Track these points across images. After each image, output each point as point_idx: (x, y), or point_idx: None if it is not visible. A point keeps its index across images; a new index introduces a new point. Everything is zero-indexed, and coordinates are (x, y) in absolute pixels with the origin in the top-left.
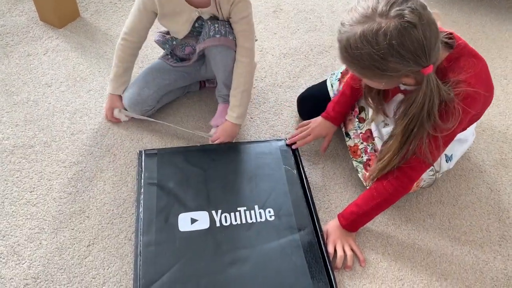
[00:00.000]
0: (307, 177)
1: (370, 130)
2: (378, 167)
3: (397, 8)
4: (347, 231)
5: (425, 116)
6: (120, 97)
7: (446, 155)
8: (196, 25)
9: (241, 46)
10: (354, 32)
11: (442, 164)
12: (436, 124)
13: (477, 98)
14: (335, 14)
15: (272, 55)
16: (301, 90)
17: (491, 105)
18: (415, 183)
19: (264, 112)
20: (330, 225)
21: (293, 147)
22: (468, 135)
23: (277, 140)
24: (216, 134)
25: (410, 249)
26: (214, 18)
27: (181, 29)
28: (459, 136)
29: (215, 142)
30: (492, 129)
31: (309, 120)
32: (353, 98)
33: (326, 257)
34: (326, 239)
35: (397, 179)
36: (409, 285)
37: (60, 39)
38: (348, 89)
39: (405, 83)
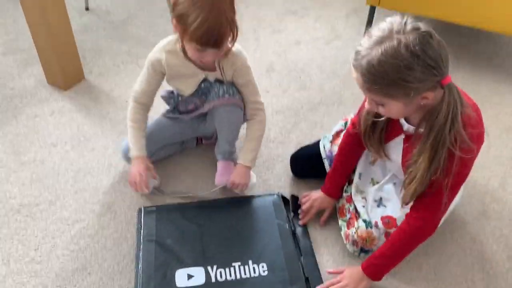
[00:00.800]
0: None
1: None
2: (411, 191)
3: (412, 23)
4: (365, 276)
5: (448, 127)
6: (145, 158)
7: None
8: (202, 86)
9: (251, 101)
10: (374, 53)
11: None
12: (459, 137)
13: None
14: (324, 74)
15: (265, 112)
16: (292, 145)
17: None
18: None
19: (257, 166)
20: (349, 267)
21: (301, 223)
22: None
23: (270, 195)
24: (235, 181)
25: None
26: (218, 81)
27: (188, 88)
28: None
29: (238, 189)
30: (474, 181)
31: (309, 193)
32: (345, 171)
33: None
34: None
35: (418, 219)
36: None
37: (66, 100)
38: (339, 163)
39: (425, 101)
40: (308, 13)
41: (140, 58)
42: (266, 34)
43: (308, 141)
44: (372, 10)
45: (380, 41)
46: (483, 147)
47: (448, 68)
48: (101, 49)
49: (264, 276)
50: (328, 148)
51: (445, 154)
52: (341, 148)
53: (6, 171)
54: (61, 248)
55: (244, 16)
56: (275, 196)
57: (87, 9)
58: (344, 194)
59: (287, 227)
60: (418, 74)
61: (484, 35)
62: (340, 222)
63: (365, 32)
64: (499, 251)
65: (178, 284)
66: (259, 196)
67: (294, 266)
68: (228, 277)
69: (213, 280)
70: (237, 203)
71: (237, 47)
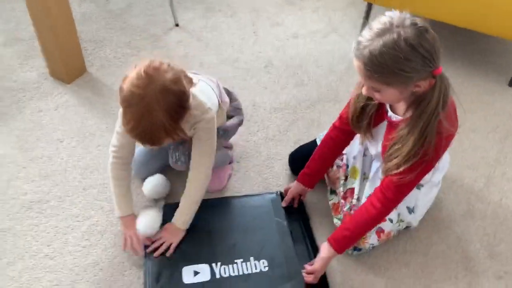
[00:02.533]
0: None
1: (351, 190)
2: (392, 164)
3: (410, 19)
4: (331, 248)
5: (439, 110)
6: (134, 216)
7: (408, 207)
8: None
9: (197, 162)
10: (376, 44)
11: (405, 215)
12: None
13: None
14: (321, 69)
15: (264, 109)
16: (290, 144)
17: (460, 158)
18: (385, 235)
19: (257, 165)
20: (324, 253)
21: (295, 204)
22: (432, 185)
23: (269, 193)
24: (163, 236)
25: None
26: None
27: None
28: (424, 181)
29: (162, 244)
30: (461, 180)
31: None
32: (324, 163)
33: None
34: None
35: (385, 197)
36: None
37: (69, 94)
38: (320, 154)
39: (417, 89)
40: (306, 5)
41: (141, 50)
42: (265, 27)
43: (305, 139)
44: (369, 6)
45: (381, 33)
46: (469, 147)
47: (440, 59)
48: (102, 40)
49: (264, 272)
50: None
51: (434, 133)
52: (324, 140)
53: (15, 167)
54: (73, 244)
55: (242, 8)
56: (274, 194)
57: None
58: (341, 189)
59: (285, 224)
60: (415, 65)
61: (478, 34)
62: (335, 220)
63: (362, 26)
64: (481, 250)
65: (185, 280)
66: (259, 194)
67: (292, 262)
68: (232, 273)
69: (218, 276)
70: (238, 202)
71: (199, 102)
